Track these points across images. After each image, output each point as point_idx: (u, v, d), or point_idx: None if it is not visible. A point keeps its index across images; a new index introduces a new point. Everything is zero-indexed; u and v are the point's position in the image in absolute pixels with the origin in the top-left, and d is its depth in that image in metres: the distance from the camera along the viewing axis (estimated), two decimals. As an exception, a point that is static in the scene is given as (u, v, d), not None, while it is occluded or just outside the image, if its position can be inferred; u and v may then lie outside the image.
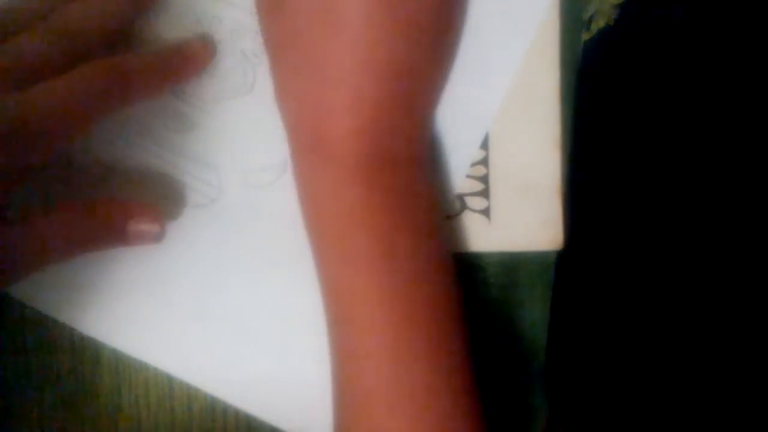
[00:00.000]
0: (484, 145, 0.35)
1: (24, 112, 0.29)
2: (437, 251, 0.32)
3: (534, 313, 0.37)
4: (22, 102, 0.29)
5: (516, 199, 0.35)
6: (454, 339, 0.31)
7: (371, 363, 0.31)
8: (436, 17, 0.32)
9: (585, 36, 0.36)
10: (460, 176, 0.36)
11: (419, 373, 0.30)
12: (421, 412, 0.30)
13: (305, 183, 0.33)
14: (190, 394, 0.37)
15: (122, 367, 0.37)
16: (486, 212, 0.36)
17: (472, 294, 0.34)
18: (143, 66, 0.33)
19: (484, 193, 0.36)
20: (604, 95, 0.39)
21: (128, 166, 0.36)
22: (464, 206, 0.36)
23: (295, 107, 0.32)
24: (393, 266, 0.31)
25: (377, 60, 0.31)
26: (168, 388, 0.37)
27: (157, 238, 0.34)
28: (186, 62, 0.35)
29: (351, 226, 0.31)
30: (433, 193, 0.34)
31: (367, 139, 0.31)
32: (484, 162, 0.36)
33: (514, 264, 0.36)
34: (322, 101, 0.31)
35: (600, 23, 0.36)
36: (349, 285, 0.31)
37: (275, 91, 0.34)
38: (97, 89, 0.31)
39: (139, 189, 0.36)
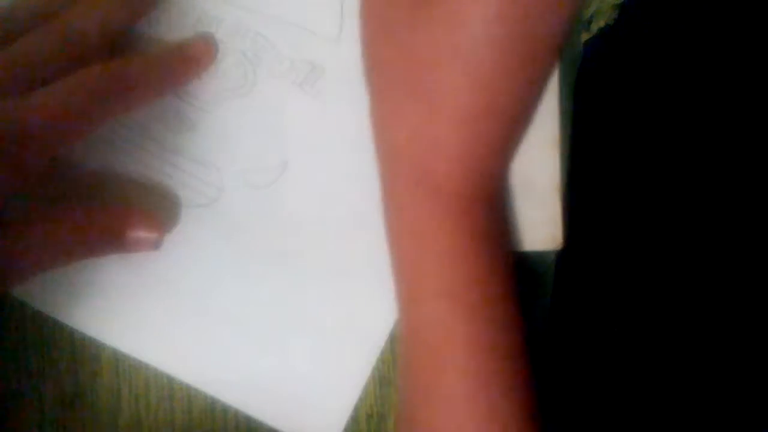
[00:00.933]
0: (484, 145, 0.35)
1: (23, 118, 0.29)
2: (518, 297, 0.32)
3: (534, 313, 0.37)
4: (22, 107, 0.29)
5: (515, 199, 0.35)
6: (530, 391, 0.31)
7: (461, 406, 0.30)
8: (549, 59, 0.32)
9: (585, 36, 0.36)
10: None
11: (504, 425, 0.30)
12: None
13: (401, 212, 0.32)
14: (190, 395, 0.37)
15: (122, 367, 0.37)
16: (486, 212, 0.36)
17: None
18: (144, 69, 0.33)
19: (484, 193, 0.36)
20: (604, 95, 0.39)
21: (128, 166, 0.36)
22: (464, 206, 0.36)
23: (403, 137, 0.32)
24: (488, 312, 0.31)
25: (501, 106, 0.30)
26: (168, 388, 0.37)
27: (156, 245, 0.34)
28: (188, 63, 0.35)
29: (450, 265, 0.31)
30: (510, 236, 0.34)
31: (475, 180, 0.31)
32: (484, 162, 0.36)
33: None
34: (437, 140, 0.31)
35: (600, 23, 0.36)
36: (443, 324, 0.31)
37: (374, 114, 0.33)
38: (97, 94, 0.31)
39: (140, 189, 0.36)
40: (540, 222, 0.35)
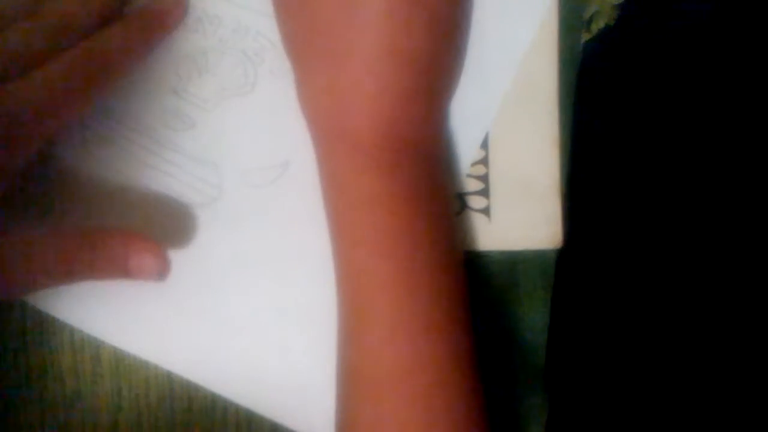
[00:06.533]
0: (484, 144, 0.36)
1: (15, 100, 0.29)
2: (453, 243, 0.33)
3: (534, 313, 0.37)
4: (13, 91, 0.30)
5: (516, 198, 0.36)
6: (466, 332, 0.32)
7: (385, 351, 0.31)
8: (454, 7, 0.33)
9: (585, 36, 0.36)
10: (460, 175, 0.36)
11: (433, 366, 0.30)
12: (432, 401, 0.30)
13: (330, 171, 0.33)
14: (191, 393, 0.37)
15: (122, 365, 0.37)
16: (486, 211, 0.36)
17: (472, 293, 0.34)
18: (122, 36, 0.33)
19: (484, 192, 0.36)
20: (603, 95, 0.39)
21: (128, 165, 0.36)
22: (464, 205, 0.36)
23: (320, 99, 0.33)
24: (413, 254, 0.31)
25: (401, 51, 0.31)
26: (168, 387, 0.37)
27: (161, 275, 0.32)
28: (161, 17, 0.35)
29: (375, 214, 0.31)
30: (449, 187, 0.34)
31: (391, 129, 0.32)
32: (484, 161, 0.36)
33: (514, 263, 0.36)
34: (348, 92, 0.31)
35: (600, 23, 0.36)
36: (368, 270, 0.31)
37: (296, 84, 0.34)
38: (80, 70, 0.31)
39: (140, 189, 0.36)
40: (540, 220, 0.35)
